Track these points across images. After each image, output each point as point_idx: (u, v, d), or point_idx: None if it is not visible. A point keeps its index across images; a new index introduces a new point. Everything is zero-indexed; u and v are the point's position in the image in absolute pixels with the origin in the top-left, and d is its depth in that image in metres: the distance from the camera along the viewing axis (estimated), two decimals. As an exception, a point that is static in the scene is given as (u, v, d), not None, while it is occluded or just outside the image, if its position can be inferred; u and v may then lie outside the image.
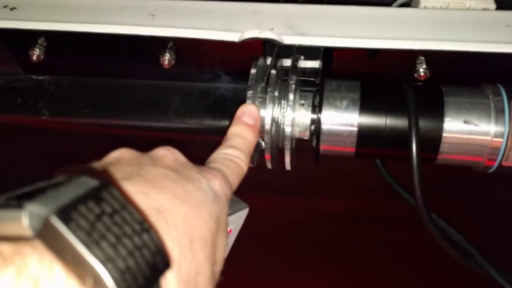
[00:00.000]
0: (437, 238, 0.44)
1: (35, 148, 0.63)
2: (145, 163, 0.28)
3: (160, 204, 0.25)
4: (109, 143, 0.32)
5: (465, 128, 0.41)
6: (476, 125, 0.41)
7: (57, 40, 0.50)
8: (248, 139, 0.39)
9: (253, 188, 0.51)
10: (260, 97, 0.42)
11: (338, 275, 0.62)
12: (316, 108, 0.43)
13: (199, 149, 0.37)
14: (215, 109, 0.51)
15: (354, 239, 0.64)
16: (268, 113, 0.42)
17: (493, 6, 0.51)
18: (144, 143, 0.33)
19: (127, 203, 0.20)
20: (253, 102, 0.42)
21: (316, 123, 0.43)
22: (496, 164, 0.42)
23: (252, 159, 0.40)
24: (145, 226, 0.20)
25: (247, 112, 0.41)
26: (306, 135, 0.45)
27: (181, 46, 0.49)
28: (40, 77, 0.54)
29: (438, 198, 0.49)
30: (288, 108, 0.42)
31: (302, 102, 0.44)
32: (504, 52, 0.45)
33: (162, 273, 0.21)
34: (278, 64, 0.45)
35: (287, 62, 0.47)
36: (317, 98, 0.44)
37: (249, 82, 0.42)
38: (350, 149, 0.43)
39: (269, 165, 0.44)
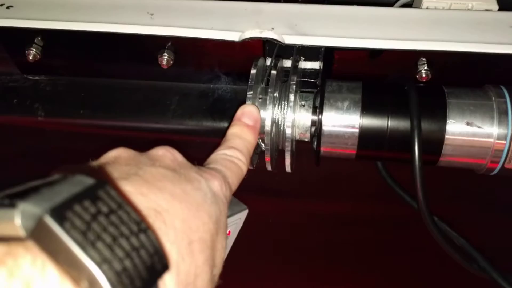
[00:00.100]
0: (439, 242, 0.43)
1: (31, 147, 0.63)
2: (143, 162, 0.28)
3: (158, 204, 0.24)
4: (107, 143, 0.31)
5: (468, 130, 0.41)
6: (479, 127, 0.41)
7: (54, 40, 0.49)
8: (248, 140, 0.38)
9: (252, 190, 0.51)
10: (260, 98, 0.42)
11: (338, 278, 0.61)
12: (317, 109, 0.43)
13: (198, 149, 0.36)
14: (214, 110, 0.51)
15: (355, 242, 0.63)
16: (268, 114, 0.41)
17: (496, 7, 0.51)
18: (143, 143, 0.33)
19: (124, 202, 0.19)
20: (253, 103, 0.41)
21: (317, 124, 0.42)
22: (498, 166, 0.42)
23: (251, 160, 0.39)
24: (142, 226, 0.19)
25: (247, 112, 0.40)
26: (307, 137, 0.44)
27: (180, 46, 0.48)
28: (37, 78, 0.53)
29: (439, 201, 0.48)
30: (289, 109, 0.42)
31: (303, 103, 0.44)
32: (507, 53, 0.44)
33: (160, 275, 0.20)
34: (279, 64, 0.44)
35: (287, 63, 0.47)
36: (318, 99, 0.43)
37: (249, 83, 0.42)
38: (351, 151, 0.43)
39: (269, 167, 0.44)
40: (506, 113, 0.41)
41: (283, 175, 0.45)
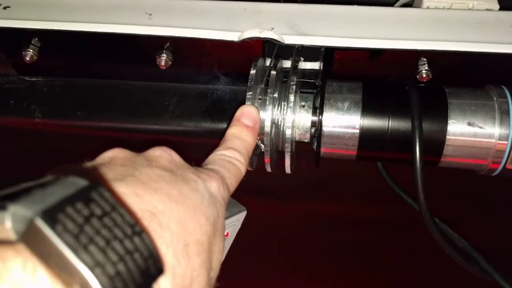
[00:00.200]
0: (440, 243, 0.43)
1: (28, 149, 0.62)
2: (139, 163, 0.27)
3: (153, 206, 0.24)
4: (105, 144, 0.31)
5: (469, 131, 0.40)
6: (480, 127, 0.40)
7: (51, 40, 0.49)
8: (247, 141, 0.38)
9: (251, 191, 0.51)
10: (259, 99, 0.41)
11: (337, 280, 0.61)
12: (317, 110, 0.42)
13: (197, 150, 0.36)
14: (213, 111, 0.50)
15: (354, 244, 0.63)
16: (268, 115, 0.41)
17: (497, 6, 0.50)
18: (141, 145, 0.32)
19: (118, 204, 0.19)
20: (253, 104, 0.41)
21: (317, 125, 0.42)
22: (500, 167, 0.42)
23: (251, 162, 0.39)
24: (137, 229, 0.19)
25: (247, 113, 0.40)
26: (307, 138, 0.44)
27: (179, 46, 0.48)
28: (33, 79, 0.53)
29: (440, 201, 0.48)
30: (288, 110, 0.41)
31: (303, 103, 0.43)
32: (508, 52, 0.44)
33: (155, 279, 0.20)
34: (278, 65, 0.44)
35: (287, 64, 0.46)
36: (318, 100, 0.43)
37: (248, 83, 0.41)
38: (352, 152, 0.42)
39: (268, 169, 0.43)
40: (507, 113, 0.40)
41: (283, 177, 0.45)
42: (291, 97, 0.41)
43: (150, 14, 0.49)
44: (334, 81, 0.44)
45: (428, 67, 0.45)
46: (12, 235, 0.17)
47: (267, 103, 0.41)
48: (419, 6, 0.52)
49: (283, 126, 0.42)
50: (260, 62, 0.44)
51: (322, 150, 0.43)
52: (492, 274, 0.51)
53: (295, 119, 0.43)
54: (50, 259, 0.17)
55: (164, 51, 0.47)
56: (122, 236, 0.18)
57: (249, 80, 0.41)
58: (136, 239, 0.18)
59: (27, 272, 0.17)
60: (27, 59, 0.48)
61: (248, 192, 0.42)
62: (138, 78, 0.52)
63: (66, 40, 0.49)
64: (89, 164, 0.27)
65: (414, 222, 0.44)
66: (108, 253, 0.17)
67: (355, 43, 0.45)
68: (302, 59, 0.48)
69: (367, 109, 0.41)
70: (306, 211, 0.66)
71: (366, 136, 0.41)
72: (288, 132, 0.42)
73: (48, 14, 0.49)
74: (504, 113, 0.40)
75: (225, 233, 0.52)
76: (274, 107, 0.41)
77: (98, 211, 0.18)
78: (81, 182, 0.19)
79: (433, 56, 0.45)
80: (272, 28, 0.46)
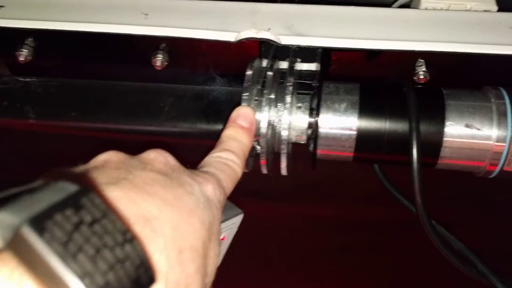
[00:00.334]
0: (437, 246, 0.43)
1: (22, 150, 0.62)
2: (134, 166, 0.27)
3: (147, 211, 0.23)
4: (99, 146, 0.30)
5: (467, 132, 0.40)
6: (478, 129, 0.40)
7: (46, 40, 0.48)
8: (243, 142, 0.37)
9: (247, 193, 0.50)
10: (255, 100, 0.41)
11: (333, 282, 0.61)
12: (314, 111, 0.42)
13: (192, 152, 0.35)
14: (209, 113, 0.50)
15: (351, 246, 0.63)
16: (264, 116, 0.40)
17: (495, 7, 0.50)
18: (136, 146, 0.32)
19: (109, 210, 0.18)
20: (249, 105, 0.40)
21: (314, 126, 0.42)
22: (497, 169, 0.41)
23: (247, 163, 0.38)
24: (128, 236, 0.18)
25: (242, 114, 0.39)
26: (303, 139, 0.44)
27: (175, 46, 0.47)
28: (27, 79, 0.52)
29: (437, 203, 0.48)
30: (285, 111, 0.41)
31: (299, 105, 0.43)
32: (505, 54, 0.44)
33: (146, 288, 0.19)
34: (275, 66, 0.44)
35: (284, 65, 0.46)
36: (315, 101, 0.42)
37: (244, 84, 0.41)
38: (349, 153, 0.42)
39: (264, 170, 0.43)
40: (505, 115, 0.40)
41: (279, 178, 0.45)
42: (288, 98, 0.41)
43: (146, 14, 0.48)
44: (331, 82, 0.43)
45: (426, 69, 0.45)
46: (-2, 243, 0.17)
47: (264, 104, 0.41)
48: (417, 7, 0.52)
49: (279, 127, 0.41)
50: (256, 63, 0.43)
51: (319, 151, 0.42)
52: (489, 276, 0.50)
53: (292, 120, 0.42)
54: (38, 268, 0.16)
55: (160, 51, 0.47)
56: (112, 244, 0.17)
57: (245, 81, 0.41)
58: (127, 247, 0.18)
59: (13, 282, 0.17)
60: (21, 59, 0.48)
61: (245, 194, 0.42)
62: (134, 78, 0.52)
63: (60, 40, 0.48)
64: (82, 167, 0.26)
65: (411, 224, 0.43)
66: (98, 262, 0.17)
67: (352, 44, 0.45)
68: (299, 60, 0.48)
69: (364, 110, 0.41)
70: (303, 213, 0.65)
71: (363, 138, 0.41)
72: (284, 134, 0.41)
73: (42, 13, 0.48)
74: (502, 114, 0.40)
75: (222, 236, 0.51)
76: (271, 108, 0.41)
77: (88, 218, 0.18)
78: (71, 188, 0.19)
79: (430, 57, 0.45)
80: (269, 29, 0.46)
